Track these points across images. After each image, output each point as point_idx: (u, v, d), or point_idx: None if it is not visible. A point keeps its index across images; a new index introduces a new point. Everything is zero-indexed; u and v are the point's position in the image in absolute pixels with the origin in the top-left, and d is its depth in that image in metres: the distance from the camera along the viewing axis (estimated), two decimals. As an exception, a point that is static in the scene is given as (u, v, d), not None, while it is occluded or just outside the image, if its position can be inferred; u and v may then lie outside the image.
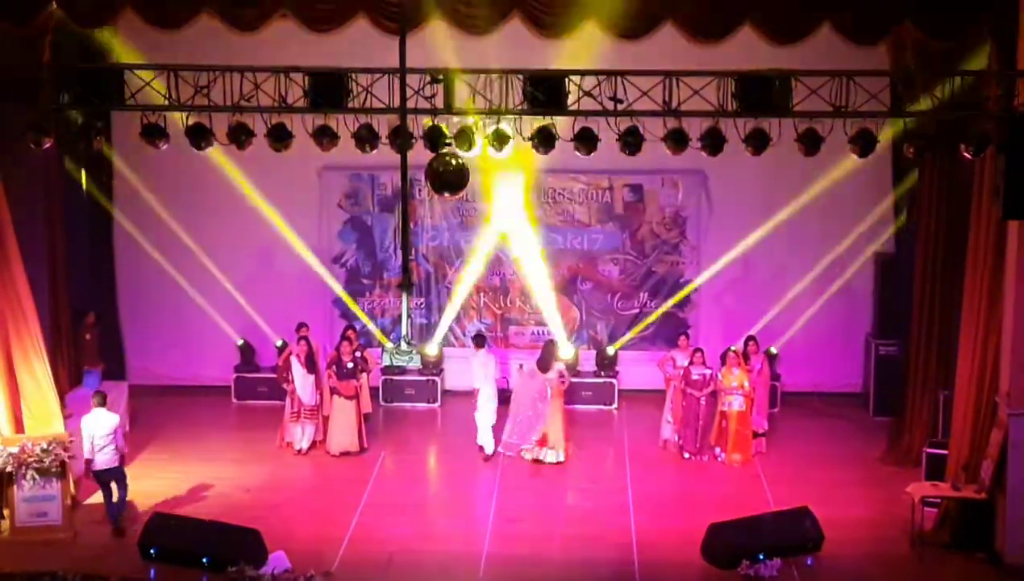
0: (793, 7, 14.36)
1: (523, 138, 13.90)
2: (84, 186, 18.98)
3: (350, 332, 18.66)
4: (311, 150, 14.24)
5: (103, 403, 15.05)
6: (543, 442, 17.48)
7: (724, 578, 13.82)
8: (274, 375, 19.01)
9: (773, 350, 19.61)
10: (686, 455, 17.60)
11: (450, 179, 12.57)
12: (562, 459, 17.43)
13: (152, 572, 13.69)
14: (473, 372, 18.14)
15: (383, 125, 13.99)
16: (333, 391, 17.61)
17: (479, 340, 18.46)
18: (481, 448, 17.68)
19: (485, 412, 17.73)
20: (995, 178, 13.63)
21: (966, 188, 15.07)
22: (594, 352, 20.46)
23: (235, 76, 13.66)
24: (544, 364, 17.77)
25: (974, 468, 14.58)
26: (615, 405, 20.02)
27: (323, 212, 20.43)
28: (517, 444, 17.62)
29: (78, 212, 18.77)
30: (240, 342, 20.23)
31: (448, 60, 13.89)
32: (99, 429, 14.87)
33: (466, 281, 20.28)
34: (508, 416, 17.82)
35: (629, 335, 20.49)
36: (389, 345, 19.54)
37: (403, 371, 20.05)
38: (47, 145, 14.21)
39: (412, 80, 13.09)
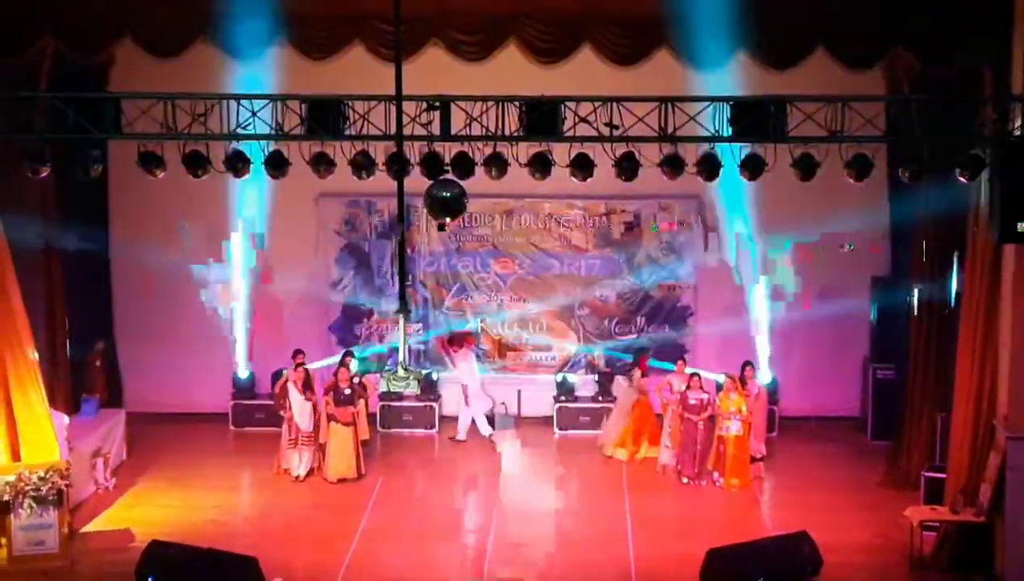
0: (787, 33, 14.42)
1: (519, 164, 13.94)
2: (81, 213, 18.97)
3: (348, 358, 18.66)
4: (308, 177, 14.27)
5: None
6: (622, 442, 18.68)
7: (723, 604, 13.81)
8: (271, 402, 19.01)
9: (770, 375, 19.58)
10: (684, 480, 17.58)
11: (448, 205, 12.58)
12: (623, 458, 18.50)
13: (150, 600, 13.68)
14: (459, 370, 19.75)
15: (380, 152, 14.02)
16: (330, 418, 17.60)
17: (456, 340, 19.70)
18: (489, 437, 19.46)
19: (475, 405, 19.51)
20: (990, 203, 13.66)
21: (961, 213, 15.10)
22: (592, 377, 20.48)
23: (232, 104, 13.69)
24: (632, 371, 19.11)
25: (972, 491, 14.57)
26: (613, 430, 20.00)
27: (320, 238, 20.46)
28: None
29: (75, 239, 18.76)
30: (237, 369, 20.20)
31: (444, 87, 13.90)
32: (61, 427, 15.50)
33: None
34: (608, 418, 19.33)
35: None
36: (386, 371, 19.55)
37: (400, 397, 20.04)
38: (44, 174, 14.22)
39: (408, 107, 13.12)
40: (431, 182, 13.04)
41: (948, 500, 14.87)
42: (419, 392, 19.97)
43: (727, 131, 13.61)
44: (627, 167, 13.86)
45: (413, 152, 13.85)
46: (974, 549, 14.38)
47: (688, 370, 18.27)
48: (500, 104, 13.68)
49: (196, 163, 13.91)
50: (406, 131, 12.94)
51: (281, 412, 17.99)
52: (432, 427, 20.13)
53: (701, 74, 14.87)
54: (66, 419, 15.97)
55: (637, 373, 18.83)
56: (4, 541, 14.65)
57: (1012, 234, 13.23)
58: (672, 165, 13.87)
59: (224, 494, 17.11)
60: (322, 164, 14.00)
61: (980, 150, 13.54)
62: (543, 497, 17.28)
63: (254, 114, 13.70)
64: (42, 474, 14.57)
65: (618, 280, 20.52)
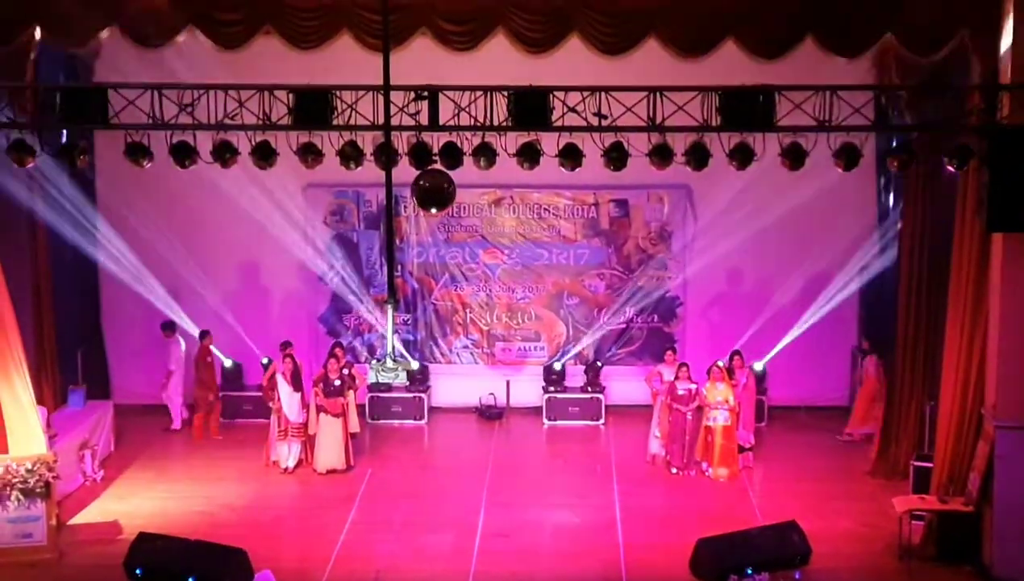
0: (776, 22, 14.40)
1: (508, 154, 13.91)
2: (68, 205, 18.91)
3: (337, 349, 18.64)
4: (296, 167, 14.23)
5: None
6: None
7: (712, 593, 13.82)
8: (260, 393, 18.98)
9: (757, 366, 19.59)
10: (673, 470, 17.58)
11: (436, 195, 12.56)
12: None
13: (138, 592, 13.64)
14: (172, 358, 19.56)
15: (368, 142, 13.98)
16: (320, 409, 17.57)
17: (169, 327, 19.59)
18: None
19: (176, 394, 19.60)
20: (979, 191, 13.67)
21: (950, 201, 15.11)
22: (581, 367, 20.48)
23: (219, 94, 13.64)
24: None
25: (960, 481, 14.59)
26: (602, 420, 20.02)
27: (308, 229, 20.42)
28: None
29: (62, 231, 18.71)
30: (226, 361, 20.15)
31: (433, 77, 13.87)
32: None
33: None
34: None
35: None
36: (375, 362, 19.51)
37: (389, 388, 20.03)
38: (30, 164, 14.16)
39: (397, 97, 13.08)
40: (419, 172, 13.02)
41: (936, 489, 14.89)
42: (408, 383, 20.03)
43: (716, 120, 13.61)
44: (616, 157, 13.85)
45: (401, 142, 13.81)
46: (962, 538, 14.40)
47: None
48: (488, 94, 13.66)
49: (183, 153, 13.88)
50: (394, 121, 12.91)
51: (270, 403, 17.98)
52: (421, 418, 20.12)
53: (689, 63, 14.81)
54: (44, 412, 15.83)
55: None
56: (-9, 534, 14.62)
57: (1000, 222, 13.26)
58: (661, 155, 13.85)
59: (212, 486, 17.07)
60: (310, 154, 13.97)
61: (968, 139, 13.54)
62: (532, 488, 17.28)
63: (241, 104, 13.65)
64: (29, 466, 14.50)
65: (607, 270, 20.52)
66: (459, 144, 13.81)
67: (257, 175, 14.41)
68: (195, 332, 19.87)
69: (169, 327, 19.64)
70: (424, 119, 13.72)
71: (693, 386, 17.62)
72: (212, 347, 19.43)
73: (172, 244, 19.86)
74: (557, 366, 20.34)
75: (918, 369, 16.85)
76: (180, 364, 19.59)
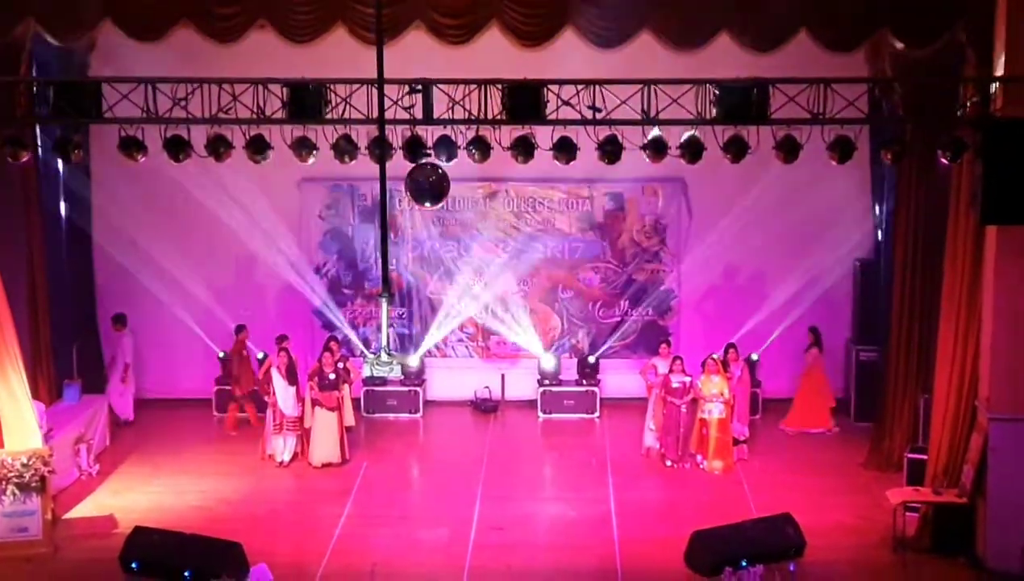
0: (770, 15, 14.41)
1: (502, 148, 13.91)
2: (62, 199, 18.90)
3: (332, 343, 18.64)
4: (290, 161, 14.23)
5: None
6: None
7: (707, 586, 13.84)
8: (255, 387, 18.97)
9: (754, 357, 19.63)
10: (668, 463, 17.60)
11: (430, 189, 12.57)
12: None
13: (133, 587, 13.65)
14: (122, 350, 19.53)
15: (362, 136, 13.98)
16: (315, 402, 17.58)
17: (120, 320, 19.50)
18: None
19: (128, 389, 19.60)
20: (972, 184, 13.69)
21: (944, 194, 15.13)
22: (576, 361, 20.50)
23: (213, 88, 13.63)
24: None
25: (954, 473, 14.63)
26: (597, 413, 20.03)
27: (303, 223, 20.42)
28: None
29: (56, 225, 18.71)
30: (221, 354, 20.13)
31: (427, 70, 13.87)
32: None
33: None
34: None
35: None
36: (370, 355, 19.51)
37: (384, 382, 20.01)
38: (25, 159, 14.15)
39: (391, 90, 13.08)
40: (413, 166, 13.02)
41: (930, 481, 14.92)
42: (403, 377, 20.03)
43: (710, 114, 13.62)
44: (610, 150, 13.86)
45: (396, 136, 13.82)
46: (956, 530, 14.44)
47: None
48: (483, 87, 13.66)
49: (177, 147, 13.87)
50: (388, 115, 12.90)
51: (265, 397, 17.99)
52: (416, 411, 20.12)
53: (684, 57, 14.82)
54: (41, 407, 15.87)
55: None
56: (-13, 528, 14.62)
57: (994, 215, 13.28)
58: (655, 148, 13.86)
59: (208, 480, 17.08)
60: (304, 148, 13.96)
61: (962, 131, 13.56)
62: (527, 481, 17.30)
63: (235, 98, 13.64)
64: (25, 460, 14.53)
65: (601, 263, 20.52)
66: (453, 138, 13.83)
67: (251, 169, 14.35)
68: (191, 323, 19.93)
69: (120, 321, 19.58)
70: (418, 113, 13.73)
71: (688, 379, 17.64)
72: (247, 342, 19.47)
73: (167, 238, 19.83)
74: (551, 363, 20.31)
75: (912, 362, 16.87)
76: (131, 357, 19.59)
